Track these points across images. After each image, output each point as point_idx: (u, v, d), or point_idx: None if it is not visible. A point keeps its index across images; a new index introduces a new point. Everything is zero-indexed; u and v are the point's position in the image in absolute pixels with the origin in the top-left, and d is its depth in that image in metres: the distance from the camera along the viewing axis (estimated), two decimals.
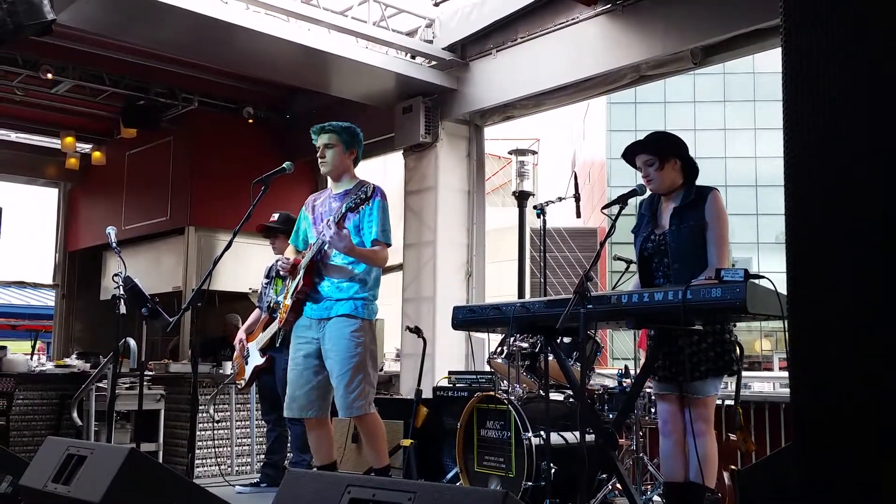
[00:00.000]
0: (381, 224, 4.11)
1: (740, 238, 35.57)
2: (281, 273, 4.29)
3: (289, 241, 4.51)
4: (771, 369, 25.79)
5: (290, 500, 2.25)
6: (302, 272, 4.12)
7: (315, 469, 4.29)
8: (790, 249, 1.53)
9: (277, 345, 5.23)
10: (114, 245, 4.93)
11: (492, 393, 4.73)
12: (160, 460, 6.21)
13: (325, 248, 4.10)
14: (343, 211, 3.92)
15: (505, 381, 4.99)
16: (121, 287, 4.70)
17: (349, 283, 4.08)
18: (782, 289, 1.85)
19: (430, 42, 7.25)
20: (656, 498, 4.57)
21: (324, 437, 4.24)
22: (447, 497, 1.89)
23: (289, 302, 4.18)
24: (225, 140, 8.91)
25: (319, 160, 4.26)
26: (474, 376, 5.89)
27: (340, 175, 4.27)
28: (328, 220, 4.00)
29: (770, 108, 35.27)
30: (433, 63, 7.33)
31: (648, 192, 3.78)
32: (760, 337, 33.98)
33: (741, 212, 35.75)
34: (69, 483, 3.03)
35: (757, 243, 36.53)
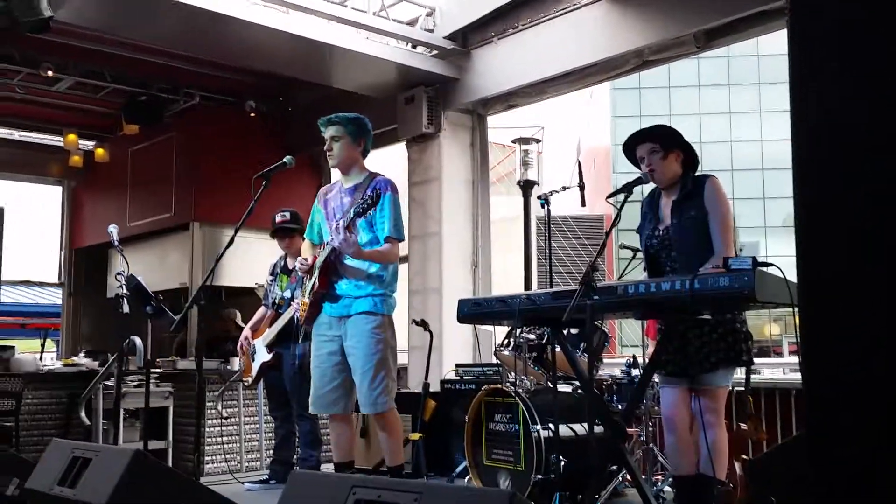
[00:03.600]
0: (394, 219, 4.08)
1: (747, 222, 35.43)
2: (300, 273, 4.26)
3: (304, 237, 4.49)
4: (780, 353, 25.74)
5: (295, 502, 2.22)
6: (317, 272, 4.10)
7: (334, 463, 4.29)
8: (799, 234, 1.49)
9: (300, 340, 5.20)
10: (116, 243, 4.90)
11: (499, 386, 4.70)
12: (170, 457, 6.22)
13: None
14: (351, 216, 3.89)
15: (512, 374, 4.95)
16: (123, 286, 4.68)
17: (366, 281, 4.07)
18: (791, 273, 1.81)
19: (431, 31, 7.18)
20: (667, 488, 4.54)
21: (346, 433, 4.25)
22: (453, 497, 1.85)
23: (307, 300, 4.19)
24: (227, 134, 8.86)
25: (327, 153, 4.20)
26: (482, 369, 5.87)
27: (349, 168, 4.22)
28: (337, 225, 3.98)
29: (775, 90, 35.09)
30: (434, 52, 7.27)
31: (651, 186, 3.73)
32: (769, 321, 33.88)
33: (748, 195, 35.59)
34: (74, 486, 3.02)
35: (764, 227, 36.37)
